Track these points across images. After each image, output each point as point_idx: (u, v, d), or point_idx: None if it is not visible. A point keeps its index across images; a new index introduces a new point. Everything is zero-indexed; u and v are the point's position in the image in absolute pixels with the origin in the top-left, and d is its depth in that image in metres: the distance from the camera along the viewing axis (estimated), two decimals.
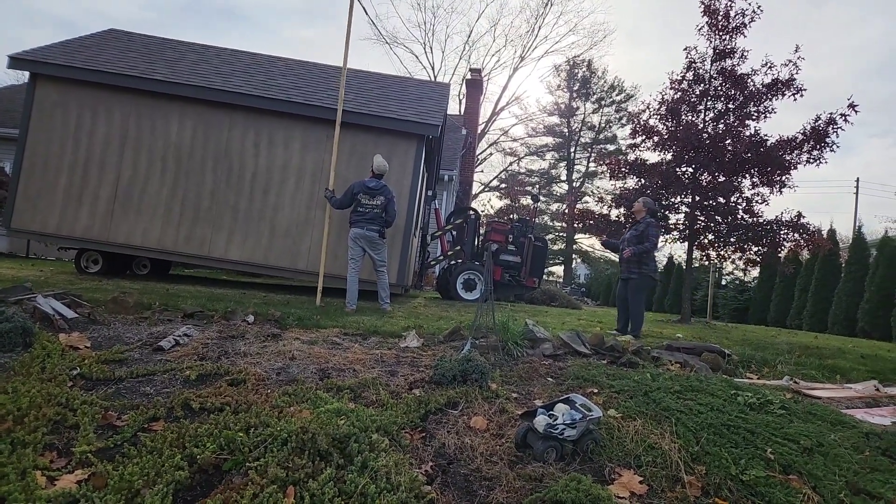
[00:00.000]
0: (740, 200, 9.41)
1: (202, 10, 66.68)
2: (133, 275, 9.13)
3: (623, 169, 10.00)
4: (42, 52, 8.33)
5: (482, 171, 37.32)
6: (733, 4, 9.32)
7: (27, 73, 8.22)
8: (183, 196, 8.10)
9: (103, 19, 66.10)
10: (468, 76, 23.11)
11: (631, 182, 10.16)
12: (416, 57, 39.64)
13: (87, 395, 2.60)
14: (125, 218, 8.03)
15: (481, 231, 12.01)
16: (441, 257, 11.54)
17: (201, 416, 2.52)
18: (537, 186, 40.17)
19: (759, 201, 9.36)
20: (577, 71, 39.67)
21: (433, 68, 34.06)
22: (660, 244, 5.92)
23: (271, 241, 8.11)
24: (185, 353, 3.46)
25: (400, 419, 2.64)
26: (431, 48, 41.20)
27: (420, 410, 2.79)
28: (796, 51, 8.97)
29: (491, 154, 38.34)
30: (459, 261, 10.88)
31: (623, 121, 37.52)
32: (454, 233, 11.49)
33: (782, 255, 9.73)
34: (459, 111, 26.14)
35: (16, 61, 8.13)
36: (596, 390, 3.33)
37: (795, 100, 9.02)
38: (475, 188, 29.20)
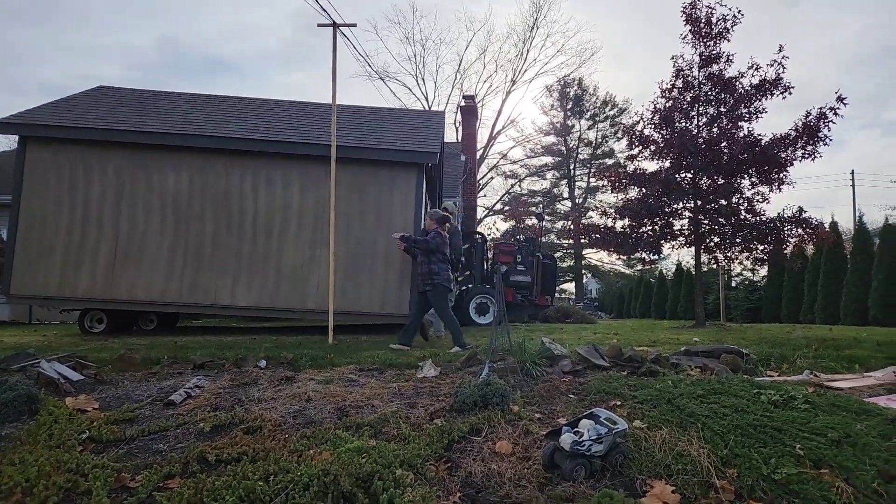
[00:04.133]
0: (742, 201, 9.43)
1: (187, 64, 67.34)
2: (140, 331, 9.08)
3: (623, 180, 10.05)
4: (30, 115, 8.40)
5: (485, 196, 37.53)
6: (714, 11, 9.47)
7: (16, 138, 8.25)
8: (185, 246, 8.10)
9: (88, 82, 67.28)
10: (462, 103, 23.40)
11: (633, 192, 10.18)
12: (409, 89, 40.19)
13: (99, 459, 2.54)
14: (127, 273, 7.99)
15: (489, 254, 11.99)
16: None
17: (218, 469, 2.45)
18: (541, 205, 40.32)
19: (760, 200, 9.39)
20: (568, 90, 40.25)
21: (427, 98, 34.56)
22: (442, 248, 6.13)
23: (277, 284, 8.08)
24: (198, 405, 3.40)
25: (423, 451, 2.57)
26: (423, 79, 41.63)
27: (443, 440, 2.73)
28: (780, 51, 9.09)
29: (492, 178, 38.64)
30: (470, 286, 10.83)
31: (618, 134, 37.74)
32: (462, 258, 11.46)
33: (788, 251, 9.66)
34: (457, 138, 26.38)
35: (4, 126, 8.21)
36: (619, 402, 3.27)
37: (784, 98, 9.11)
38: (479, 213, 29.28)
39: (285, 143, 8.22)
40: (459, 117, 25.06)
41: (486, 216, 37.46)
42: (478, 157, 25.24)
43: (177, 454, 2.64)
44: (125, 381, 4.14)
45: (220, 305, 8.09)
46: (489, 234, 32.01)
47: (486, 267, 11.26)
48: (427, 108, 32.07)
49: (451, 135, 28.44)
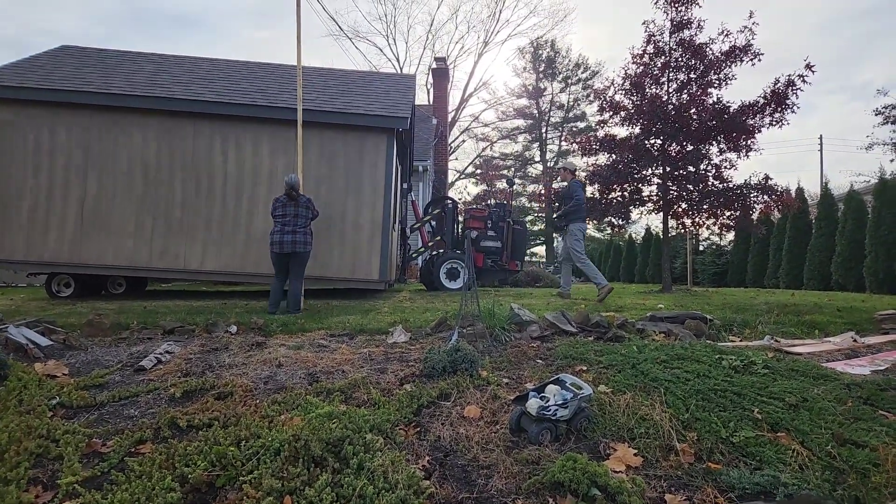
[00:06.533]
0: (709, 167, 9.54)
1: (153, 19, 64.46)
2: (108, 295, 8.94)
3: (594, 145, 10.06)
4: None
5: (456, 159, 37.39)
6: None
7: None
8: (153, 210, 7.95)
9: (52, 37, 64.23)
10: (434, 65, 23.00)
11: (602, 158, 10.22)
12: (381, 50, 39.60)
13: (69, 424, 2.53)
14: (94, 237, 7.84)
15: (460, 219, 11.99)
16: (422, 249, 11.51)
17: (190, 434, 2.47)
18: (512, 169, 40.34)
19: (728, 167, 9.50)
20: (541, 52, 39.88)
21: (398, 60, 33.89)
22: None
23: (247, 249, 8.00)
24: (168, 371, 3.39)
25: (393, 416, 2.62)
26: (395, 40, 41.11)
27: (413, 405, 2.78)
28: (750, 16, 9.07)
29: (464, 141, 38.42)
30: (441, 251, 10.86)
31: (590, 98, 37.70)
32: (433, 223, 11.45)
33: (754, 217, 9.87)
34: (428, 101, 26.06)
35: None
36: (585, 368, 3.35)
37: (754, 65, 9.14)
38: (451, 176, 29.20)
39: (254, 107, 8.03)
40: (431, 79, 24.68)
41: (457, 179, 37.43)
42: (449, 119, 24.98)
43: (148, 420, 2.64)
44: (94, 347, 4.10)
45: (189, 270, 8.00)
46: (460, 198, 31.99)
47: (456, 232, 11.29)
48: (398, 70, 31.45)
49: (423, 97, 28.07)
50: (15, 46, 62.52)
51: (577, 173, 8.03)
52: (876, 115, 22.38)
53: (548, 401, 2.47)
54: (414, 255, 12.01)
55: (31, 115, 7.88)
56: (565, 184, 8.24)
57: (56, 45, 10.28)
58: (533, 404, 2.44)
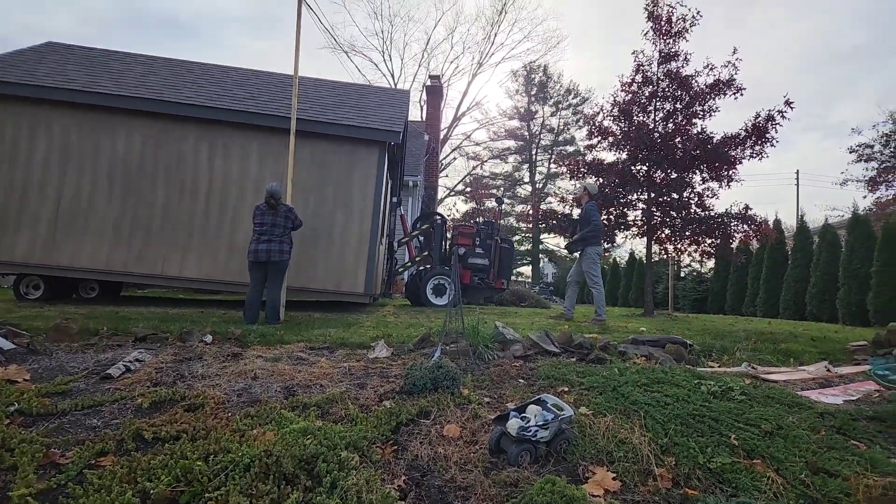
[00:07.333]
0: (692, 195, 9.67)
1: (144, 21, 64.53)
2: (79, 299, 8.70)
3: (582, 169, 10.16)
4: None
5: (447, 176, 37.56)
6: (675, 10, 9.61)
7: None
8: (133, 214, 7.79)
9: (38, 35, 63.87)
10: (428, 83, 23.16)
11: (590, 181, 10.30)
12: (376, 65, 39.95)
13: (27, 433, 2.40)
14: (69, 239, 7.65)
15: (448, 235, 11.96)
16: (409, 264, 11.44)
17: (155, 447, 2.36)
18: (501, 189, 40.62)
19: (710, 195, 9.66)
20: (534, 76, 40.56)
21: (393, 75, 34.13)
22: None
23: (230, 257, 7.87)
24: (137, 380, 3.27)
25: (370, 433, 2.54)
26: (390, 56, 41.40)
27: (391, 423, 2.70)
28: (734, 52, 9.30)
29: (455, 159, 38.68)
30: (428, 266, 10.80)
31: (580, 123, 38.43)
32: (421, 238, 11.41)
33: (734, 245, 10.03)
34: (421, 117, 26.14)
35: None
36: (567, 389, 3.31)
37: (736, 98, 9.36)
38: (440, 193, 29.23)
39: (245, 114, 7.96)
40: (425, 96, 24.84)
41: (446, 196, 37.54)
42: (441, 136, 25.10)
43: (111, 431, 2.52)
44: (60, 352, 3.94)
45: (167, 277, 7.83)
46: (449, 215, 32.06)
47: (444, 248, 11.25)
48: (393, 85, 31.63)
49: (416, 113, 28.23)
50: (1, 43, 62.02)
51: (594, 196, 7.91)
52: (850, 152, 23.02)
53: (528, 421, 2.42)
54: (400, 270, 11.94)
55: (10, 110, 7.72)
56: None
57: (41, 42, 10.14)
58: (513, 424, 2.39)
